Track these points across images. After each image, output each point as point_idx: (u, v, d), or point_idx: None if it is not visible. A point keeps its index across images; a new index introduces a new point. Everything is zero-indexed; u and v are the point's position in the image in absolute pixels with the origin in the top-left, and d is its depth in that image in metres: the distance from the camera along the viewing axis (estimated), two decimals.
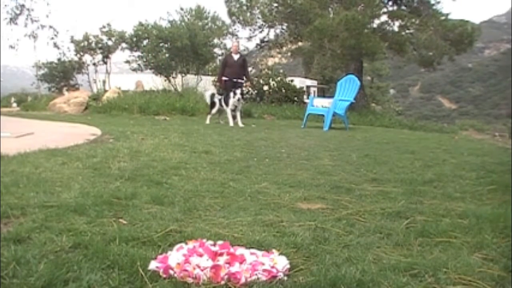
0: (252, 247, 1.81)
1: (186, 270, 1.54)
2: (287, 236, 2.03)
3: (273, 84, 16.63)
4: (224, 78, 10.22)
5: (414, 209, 2.57)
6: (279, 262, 1.62)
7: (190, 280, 1.51)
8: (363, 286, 1.52)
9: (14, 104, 18.58)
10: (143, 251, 1.73)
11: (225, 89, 10.19)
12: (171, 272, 1.55)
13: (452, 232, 2.12)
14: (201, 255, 1.61)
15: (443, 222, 2.30)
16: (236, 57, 10.41)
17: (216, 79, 11.45)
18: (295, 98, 16.70)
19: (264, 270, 1.56)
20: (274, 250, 1.73)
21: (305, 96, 18.30)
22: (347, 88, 10.19)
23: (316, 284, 1.51)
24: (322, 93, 27.23)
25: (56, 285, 1.43)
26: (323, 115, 9.94)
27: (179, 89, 16.57)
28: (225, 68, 10.37)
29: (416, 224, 2.27)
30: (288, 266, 1.63)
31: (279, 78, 16.88)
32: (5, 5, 18.84)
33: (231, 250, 1.69)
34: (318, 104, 10.79)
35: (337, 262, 1.73)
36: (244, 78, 10.48)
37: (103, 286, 1.44)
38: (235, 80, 10.03)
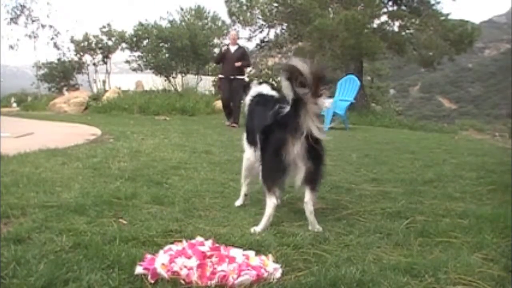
0: (252, 248, 1.81)
1: (174, 271, 1.52)
2: (287, 236, 2.03)
3: (273, 84, 16.60)
4: (219, 76, 9.05)
5: (414, 209, 2.57)
6: (270, 264, 1.61)
7: (181, 281, 1.50)
8: (363, 286, 1.52)
9: (14, 104, 18.57)
10: (143, 251, 1.73)
11: (220, 89, 9.15)
12: (161, 272, 1.52)
13: (452, 232, 2.12)
14: (189, 257, 1.59)
15: (443, 222, 2.30)
16: (233, 49, 8.70)
17: (215, 79, 10.12)
18: None
19: (253, 268, 1.55)
20: (270, 255, 1.70)
21: None
22: (347, 88, 10.18)
23: (316, 284, 1.51)
24: None
25: (56, 285, 1.43)
26: (323, 115, 9.93)
27: (179, 89, 16.57)
28: (222, 63, 8.90)
29: (416, 224, 2.27)
30: (279, 268, 1.61)
31: (279, 78, 16.87)
32: (5, 5, 18.85)
33: (222, 251, 1.68)
34: None
35: (337, 262, 1.72)
36: (244, 73, 8.99)
37: (103, 286, 1.44)
38: (232, 77, 8.45)
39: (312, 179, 2.15)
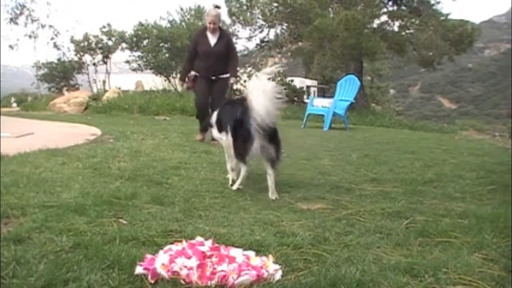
0: (252, 248, 1.80)
1: (174, 271, 1.52)
2: (287, 236, 2.03)
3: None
4: (193, 73, 5.63)
5: (414, 209, 2.57)
6: (270, 265, 1.60)
7: (181, 281, 1.50)
8: (363, 286, 1.52)
9: (14, 104, 18.57)
10: (143, 251, 1.73)
11: (195, 92, 5.79)
12: (161, 272, 1.52)
13: (452, 232, 2.12)
14: (189, 257, 1.59)
15: (443, 222, 2.30)
16: (213, 39, 5.52)
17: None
18: (295, 98, 16.70)
19: (253, 268, 1.55)
20: (270, 256, 1.70)
21: (305, 96, 18.31)
22: (347, 88, 10.18)
23: (316, 284, 1.51)
24: (322, 93, 27.22)
25: (56, 285, 1.43)
26: (323, 115, 9.94)
27: (179, 89, 16.58)
28: (196, 58, 5.64)
29: (416, 224, 2.27)
30: (280, 270, 1.61)
31: (279, 78, 16.89)
32: (5, 5, 18.88)
33: (222, 251, 1.68)
34: (318, 104, 10.77)
35: (337, 262, 1.72)
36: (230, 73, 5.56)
37: (103, 286, 1.44)
38: (213, 77, 5.53)
39: (272, 158, 2.87)
